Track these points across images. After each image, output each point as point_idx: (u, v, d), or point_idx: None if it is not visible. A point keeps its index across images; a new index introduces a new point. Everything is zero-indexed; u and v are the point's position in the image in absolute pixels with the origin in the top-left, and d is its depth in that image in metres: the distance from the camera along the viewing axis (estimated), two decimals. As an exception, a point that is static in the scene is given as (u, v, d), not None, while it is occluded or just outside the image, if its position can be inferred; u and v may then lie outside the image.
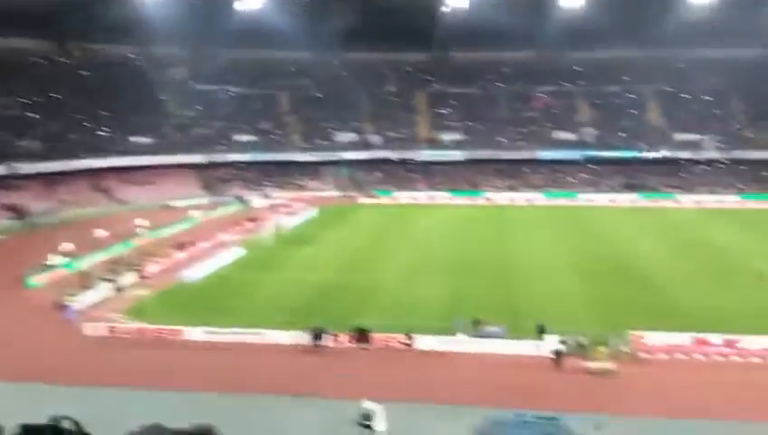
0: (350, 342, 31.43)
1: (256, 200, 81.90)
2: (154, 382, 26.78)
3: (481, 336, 31.49)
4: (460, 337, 31.52)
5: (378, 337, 31.36)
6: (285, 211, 70.87)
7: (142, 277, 44.45)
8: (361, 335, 31.38)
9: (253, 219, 65.73)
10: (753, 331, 31.39)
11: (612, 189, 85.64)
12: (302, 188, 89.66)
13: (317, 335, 31.04)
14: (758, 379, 27.54)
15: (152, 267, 46.58)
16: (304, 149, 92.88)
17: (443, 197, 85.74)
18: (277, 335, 32.09)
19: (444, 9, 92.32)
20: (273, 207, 74.70)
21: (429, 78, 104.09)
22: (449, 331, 31.91)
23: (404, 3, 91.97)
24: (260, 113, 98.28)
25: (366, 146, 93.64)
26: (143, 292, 41.43)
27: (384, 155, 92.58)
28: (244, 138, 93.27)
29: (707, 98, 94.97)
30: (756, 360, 29.54)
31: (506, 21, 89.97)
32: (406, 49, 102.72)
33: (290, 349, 31.01)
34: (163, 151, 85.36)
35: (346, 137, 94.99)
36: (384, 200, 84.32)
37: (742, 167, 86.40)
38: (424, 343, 31.02)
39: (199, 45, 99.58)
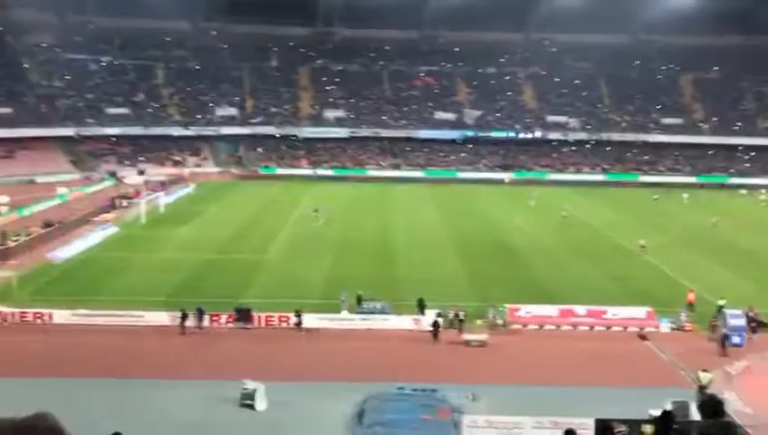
0: (230, 321, 30.89)
1: (130, 177, 78.27)
2: (17, 370, 25.14)
3: (364, 312, 31.90)
4: (344, 314, 31.79)
5: (260, 316, 31.03)
6: (161, 188, 68.20)
7: (3, 259, 41.45)
8: (242, 315, 30.92)
9: (126, 196, 62.85)
10: (617, 301, 33.75)
11: (489, 168, 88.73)
12: (179, 164, 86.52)
13: (185, 316, 29.86)
14: (617, 347, 29.62)
15: (16, 247, 43.52)
16: (182, 124, 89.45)
17: (326, 174, 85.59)
18: (152, 316, 30.99)
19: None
20: (148, 184, 71.60)
21: (313, 54, 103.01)
22: (334, 308, 32.12)
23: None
24: (134, 85, 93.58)
25: (247, 121, 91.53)
26: (5, 274, 38.66)
27: (266, 131, 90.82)
28: (117, 111, 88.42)
29: (577, 81, 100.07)
30: (617, 329, 31.75)
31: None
32: (289, 23, 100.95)
33: (166, 330, 30.08)
34: (25, 123, 79.56)
35: (226, 111, 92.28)
36: (266, 177, 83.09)
37: (607, 148, 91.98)
38: (308, 320, 31.00)
39: (66, 10, 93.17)
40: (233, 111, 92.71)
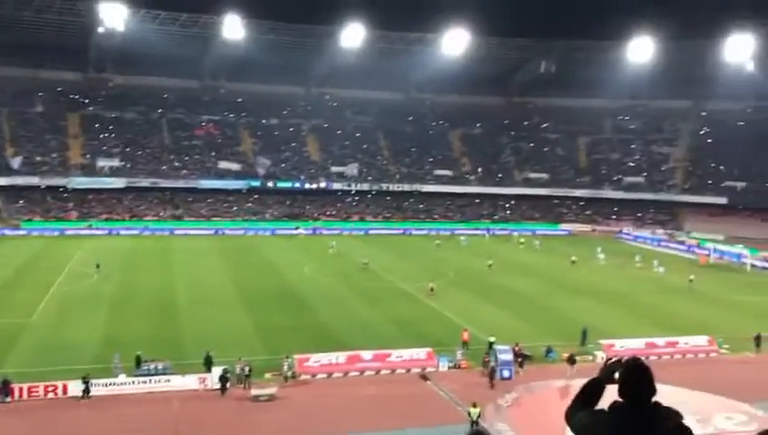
0: (-15, 396, 27.24)
1: None
2: None
3: (144, 374, 29.86)
4: (122, 378, 29.49)
5: (22, 387, 27.72)
6: None
7: None
8: (1, 387, 27.42)
9: None
10: (400, 344, 35.07)
11: (276, 218, 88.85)
12: None
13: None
14: (402, 389, 30.65)
15: None
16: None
17: (100, 227, 79.91)
18: None
19: (100, 30, 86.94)
20: None
21: (84, 100, 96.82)
22: (109, 372, 29.69)
23: (54, 19, 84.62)
24: None
25: (6, 170, 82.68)
26: None
27: (29, 181, 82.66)
28: None
29: (357, 134, 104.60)
30: (401, 371, 32.92)
31: (167, 47, 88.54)
32: (57, 67, 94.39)
33: None
34: None
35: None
36: (30, 232, 75.62)
37: (387, 197, 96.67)
38: (77, 388, 28.21)
39: None
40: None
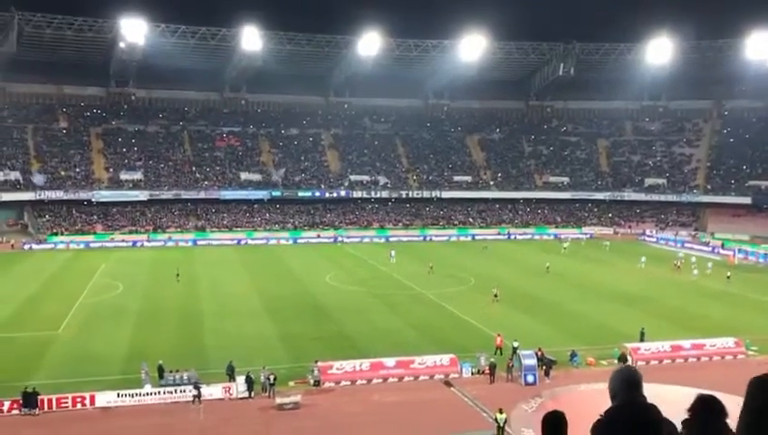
0: (14, 408, 27.64)
1: None
2: None
3: (169, 384, 30.15)
4: (147, 388, 29.80)
5: (50, 399, 28.14)
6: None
7: None
8: (28, 400, 27.83)
9: None
10: (423, 350, 35.05)
11: (296, 227, 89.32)
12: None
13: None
14: (425, 396, 30.63)
15: None
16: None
17: (125, 239, 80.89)
18: None
19: (121, 45, 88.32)
20: None
21: (106, 115, 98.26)
22: (135, 383, 30.03)
23: (75, 36, 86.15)
24: None
25: (31, 186, 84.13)
26: None
27: (54, 196, 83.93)
28: None
29: (376, 142, 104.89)
30: (424, 377, 32.90)
31: (187, 61, 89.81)
32: (79, 83, 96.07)
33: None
34: None
35: (6, 176, 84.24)
36: (57, 245, 76.76)
37: (406, 205, 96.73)
38: (104, 399, 28.60)
39: None
40: (15, 175, 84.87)
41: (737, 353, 36.17)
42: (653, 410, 3.09)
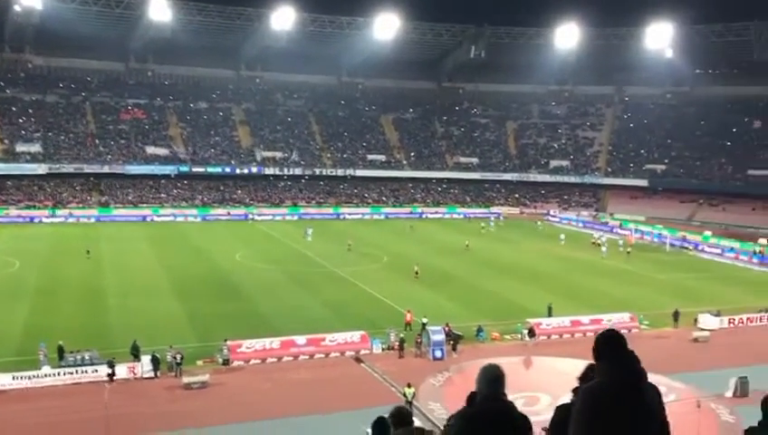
0: None
1: None
2: None
3: (69, 365, 29.00)
4: (45, 369, 28.56)
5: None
6: None
7: None
8: None
9: None
10: (335, 327, 35.17)
11: (205, 204, 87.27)
12: None
13: None
14: (336, 372, 30.84)
15: None
16: None
17: (21, 214, 76.71)
18: None
19: (16, 8, 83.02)
20: None
21: (0, 82, 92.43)
22: (33, 365, 28.72)
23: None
24: None
25: None
26: None
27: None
28: None
29: (289, 119, 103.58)
30: (336, 354, 33.07)
31: (89, 28, 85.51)
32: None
33: None
34: None
35: None
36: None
37: (320, 182, 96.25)
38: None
39: None
40: None
41: (632, 328, 38.22)
42: (510, 407, 3.69)
